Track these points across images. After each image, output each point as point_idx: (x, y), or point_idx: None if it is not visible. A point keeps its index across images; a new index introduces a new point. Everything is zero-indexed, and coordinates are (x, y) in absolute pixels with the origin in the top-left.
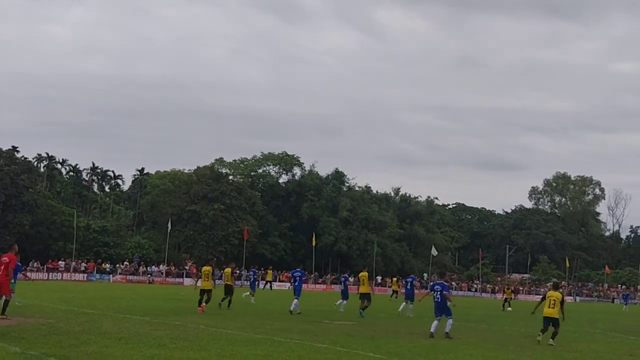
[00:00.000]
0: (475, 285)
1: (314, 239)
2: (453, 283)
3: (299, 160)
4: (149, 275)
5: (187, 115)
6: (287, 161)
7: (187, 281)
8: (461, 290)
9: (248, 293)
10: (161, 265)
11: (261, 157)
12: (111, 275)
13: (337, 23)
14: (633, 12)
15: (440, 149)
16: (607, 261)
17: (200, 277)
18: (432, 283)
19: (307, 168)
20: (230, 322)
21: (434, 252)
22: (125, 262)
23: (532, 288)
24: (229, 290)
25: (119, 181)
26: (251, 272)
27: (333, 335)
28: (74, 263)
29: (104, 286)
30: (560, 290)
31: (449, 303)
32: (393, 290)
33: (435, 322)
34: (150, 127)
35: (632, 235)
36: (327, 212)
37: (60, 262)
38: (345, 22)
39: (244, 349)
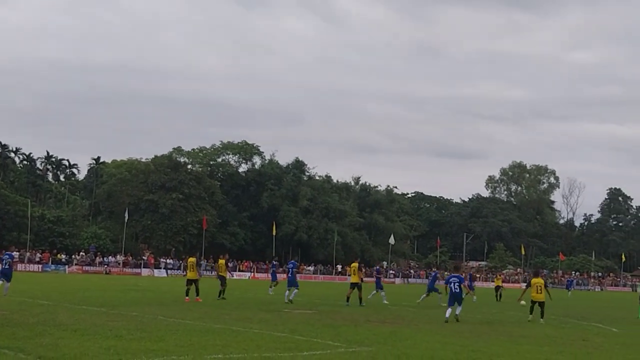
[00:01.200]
0: (433, 273)
1: (274, 228)
2: (412, 271)
3: (258, 149)
4: (106, 266)
5: (145, 102)
6: (246, 150)
7: (145, 272)
8: (419, 277)
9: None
10: (118, 256)
11: (220, 146)
12: (67, 266)
13: (298, 10)
14: (589, 3)
15: (400, 138)
16: (561, 248)
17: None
18: (448, 276)
19: (267, 157)
20: (188, 312)
21: (391, 240)
22: (81, 253)
23: (488, 275)
24: (223, 280)
25: (75, 170)
26: (272, 265)
27: (292, 324)
28: (28, 254)
29: (60, 277)
30: (541, 276)
31: (465, 294)
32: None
33: (449, 310)
34: (107, 114)
35: (586, 223)
36: (288, 201)
37: (14, 252)
38: (306, 9)
39: (202, 339)
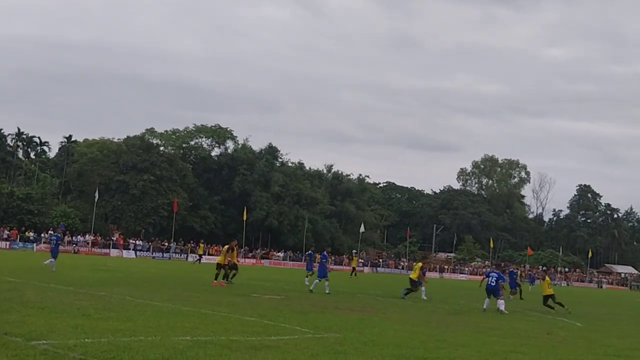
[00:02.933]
0: (402, 263)
1: (245, 213)
2: (381, 260)
3: (232, 134)
4: (75, 245)
5: (118, 82)
6: (220, 134)
7: (114, 252)
8: (388, 267)
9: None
10: (87, 235)
11: (194, 129)
12: (35, 244)
13: None
14: None
15: (374, 128)
16: (529, 243)
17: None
18: (488, 270)
19: (241, 142)
20: (157, 294)
21: (362, 229)
22: (50, 231)
23: (456, 267)
24: (233, 265)
25: (45, 148)
26: (308, 254)
27: (261, 309)
28: None
29: (28, 255)
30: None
31: (502, 292)
32: (353, 268)
33: (487, 300)
34: (80, 93)
35: (555, 218)
36: (259, 186)
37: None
38: None
39: (170, 321)
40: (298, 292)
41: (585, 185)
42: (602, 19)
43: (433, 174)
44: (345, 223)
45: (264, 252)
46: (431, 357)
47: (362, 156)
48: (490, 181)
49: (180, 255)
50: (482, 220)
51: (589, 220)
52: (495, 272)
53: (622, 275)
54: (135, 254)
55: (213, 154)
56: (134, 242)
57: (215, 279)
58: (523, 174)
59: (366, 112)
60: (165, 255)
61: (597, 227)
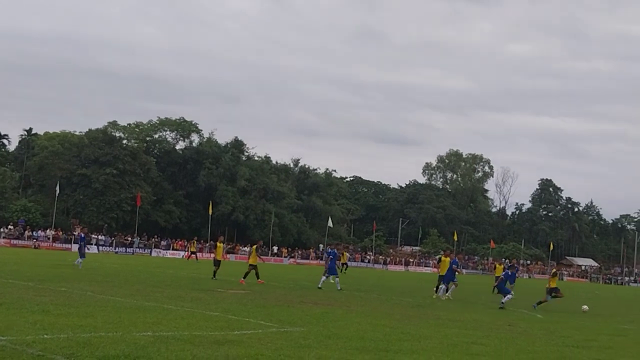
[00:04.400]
0: (368, 257)
1: (210, 207)
2: (347, 254)
3: (197, 127)
4: (35, 240)
5: (80, 74)
6: (184, 127)
7: (75, 247)
8: (355, 261)
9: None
10: (48, 230)
11: (157, 122)
12: None
13: None
14: None
15: (341, 122)
16: (492, 236)
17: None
18: (506, 270)
19: (206, 135)
20: (119, 289)
21: (330, 223)
22: (9, 226)
23: (421, 260)
24: (217, 262)
25: (5, 141)
26: (328, 254)
27: (225, 304)
28: None
29: None
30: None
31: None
32: (342, 263)
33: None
34: (40, 85)
35: (517, 212)
36: (225, 180)
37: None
38: None
39: (132, 316)
40: (263, 286)
41: (546, 180)
42: (563, 16)
43: (399, 169)
44: (312, 217)
45: (230, 246)
46: (393, 349)
47: (329, 150)
48: (455, 175)
49: (144, 250)
50: (447, 214)
51: (550, 214)
52: (506, 272)
53: (583, 267)
54: (98, 249)
55: (177, 147)
56: (96, 237)
57: (257, 277)
58: (487, 169)
59: (333, 105)
60: (128, 250)
61: (558, 220)
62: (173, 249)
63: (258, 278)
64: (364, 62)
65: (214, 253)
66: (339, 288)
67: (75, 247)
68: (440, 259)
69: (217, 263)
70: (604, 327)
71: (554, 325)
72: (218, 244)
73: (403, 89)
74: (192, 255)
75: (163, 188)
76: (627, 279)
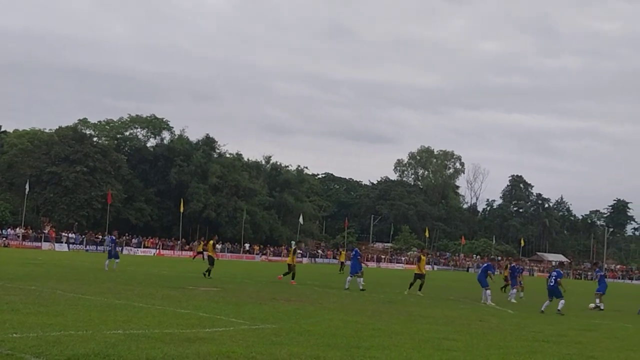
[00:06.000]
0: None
1: (182, 205)
2: (319, 251)
3: (168, 124)
4: (4, 239)
5: (50, 71)
6: (155, 125)
7: (46, 245)
8: (327, 257)
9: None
10: (18, 229)
11: (128, 119)
12: None
13: None
14: None
15: (312, 119)
16: (464, 232)
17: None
18: (551, 271)
19: (177, 132)
20: (89, 287)
21: (301, 220)
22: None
23: (393, 256)
24: (212, 259)
25: None
26: (354, 253)
27: (196, 301)
28: None
29: None
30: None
31: (561, 288)
32: (341, 262)
33: (547, 302)
34: (9, 82)
35: (488, 208)
36: (197, 178)
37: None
38: None
39: (102, 315)
40: (235, 284)
41: (517, 176)
42: (534, 13)
43: (371, 165)
44: (284, 214)
45: (201, 244)
46: (365, 345)
47: (301, 147)
48: (426, 172)
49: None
50: (418, 210)
51: (521, 210)
52: (555, 272)
53: (553, 263)
54: (68, 247)
55: (148, 145)
56: (66, 235)
57: (292, 278)
58: (458, 165)
59: (305, 102)
60: (99, 248)
61: (528, 216)
62: (144, 247)
63: (292, 278)
64: (336, 59)
65: (206, 251)
66: (360, 287)
67: (46, 245)
68: (420, 257)
69: (211, 260)
70: (574, 322)
71: (524, 321)
72: (210, 242)
73: (375, 86)
74: (199, 254)
75: (134, 186)
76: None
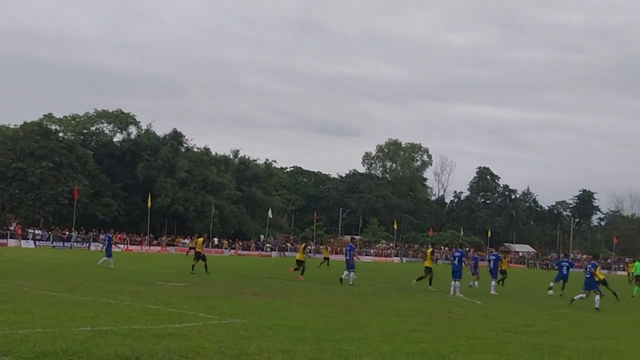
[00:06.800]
0: (309, 247)
1: (149, 200)
2: (289, 245)
3: (135, 119)
4: None
5: (14, 66)
6: (122, 119)
7: (12, 242)
8: (295, 251)
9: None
10: None
11: (94, 114)
12: None
13: None
14: None
15: (281, 113)
16: (432, 224)
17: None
18: (586, 263)
19: (144, 127)
20: (56, 284)
21: (270, 214)
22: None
23: (362, 249)
24: (199, 255)
25: None
26: (347, 248)
27: (165, 297)
28: None
29: None
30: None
31: (597, 279)
32: (325, 258)
33: (581, 295)
34: None
35: (456, 200)
36: (164, 172)
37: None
38: None
39: (70, 311)
40: (204, 278)
41: (484, 168)
42: (500, 5)
43: (339, 158)
44: (253, 208)
45: (170, 239)
46: (335, 338)
47: (269, 141)
48: (394, 165)
49: (82, 244)
50: (387, 203)
51: (488, 201)
52: (591, 264)
53: (520, 253)
54: (35, 243)
55: (115, 139)
56: (32, 231)
57: (301, 273)
58: (425, 158)
59: (272, 96)
60: (66, 244)
61: (495, 207)
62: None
63: (301, 273)
64: (304, 52)
65: (194, 247)
66: (350, 282)
67: (12, 242)
68: (432, 251)
69: (197, 256)
70: (541, 312)
71: (492, 312)
72: (199, 239)
73: (343, 80)
74: (192, 250)
75: (101, 181)
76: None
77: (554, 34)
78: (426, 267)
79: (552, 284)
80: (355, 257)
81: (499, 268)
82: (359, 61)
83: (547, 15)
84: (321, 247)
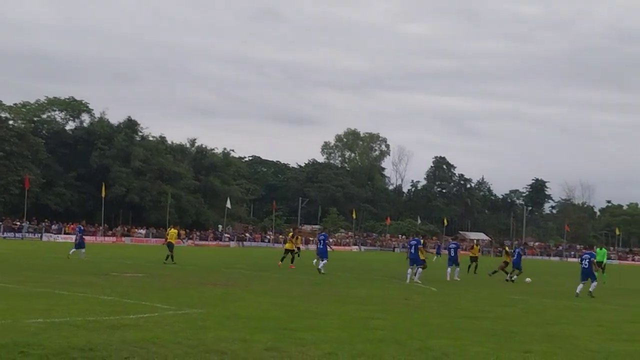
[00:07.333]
0: (268, 236)
1: (103, 189)
2: (247, 234)
3: (88, 107)
4: None
5: None
6: (74, 107)
7: None
8: (255, 241)
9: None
10: None
11: (46, 101)
12: None
13: None
14: None
15: (239, 101)
16: (390, 213)
17: None
18: (582, 253)
19: (97, 115)
20: (8, 276)
21: (228, 204)
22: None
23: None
24: (172, 246)
25: None
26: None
27: (121, 288)
28: None
29: None
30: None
31: (595, 269)
32: (297, 247)
33: (580, 285)
34: None
35: (413, 189)
36: (119, 161)
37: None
38: None
39: (22, 303)
40: (162, 269)
41: (440, 157)
42: None
43: (298, 148)
44: (211, 198)
45: (125, 229)
46: (293, 327)
47: (227, 130)
48: (353, 154)
49: (34, 235)
50: (346, 192)
51: (444, 190)
52: (588, 254)
53: (475, 241)
54: None
55: (67, 128)
56: None
57: (284, 260)
58: (383, 147)
59: (231, 84)
60: (17, 235)
61: (451, 196)
62: (65, 233)
63: (283, 260)
64: (263, 41)
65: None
66: (322, 271)
67: None
68: (424, 243)
69: (170, 247)
70: (496, 298)
71: (449, 298)
72: (172, 230)
73: (301, 68)
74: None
75: (53, 170)
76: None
77: (509, 24)
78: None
79: (514, 275)
80: (328, 247)
81: (470, 255)
82: (318, 50)
83: (503, 6)
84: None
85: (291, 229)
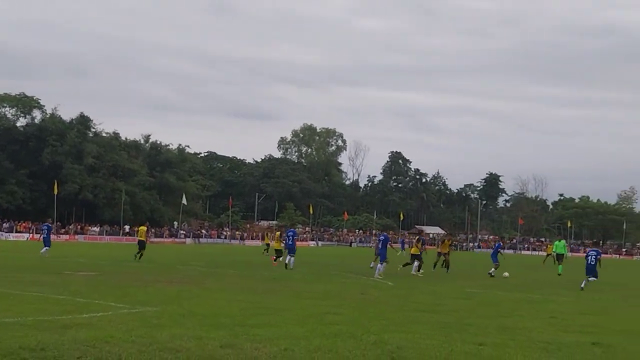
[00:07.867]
0: (225, 233)
1: (56, 187)
2: (203, 231)
3: (39, 103)
4: None
5: None
6: (25, 103)
7: None
8: (211, 237)
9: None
10: None
11: None
12: None
13: None
14: None
15: (194, 96)
16: (347, 208)
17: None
18: (588, 250)
19: (49, 111)
20: None
21: (184, 201)
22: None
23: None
24: (143, 244)
25: None
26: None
27: (74, 287)
28: None
29: None
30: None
31: (599, 267)
32: (267, 244)
33: (584, 281)
34: None
35: (369, 184)
36: (71, 158)
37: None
38: None
39: None
40: (116, 267)
41: (396, 152)
42: None
43: (254, 143)
44: (166, 194)
45: (78, 227)
46: (250, 323)
47: (182, 125)
48: (310, 149)
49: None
50: (303, 187)
51: (400, 185)
52: (593, 251)
53: (431, 235)
54: None
55: (18, 124)
56: None
57: (275, 259)
58: (340, 142)
59: (186, 79)
60: None
61: (407, 191)
62: (17, 232)
63: (275, 259)
64: (218, 35)
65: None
66: (291, 267)
67: None
68: (419, 239)
69: (141, 245)
70: (451, 291)
71: (404, 292)
72: (142, 227)
73: (258, 63)
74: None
75: (4, 168)
76: (471, 244)
77: (465, 20)
78: (412, 254)
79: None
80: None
81: (438, 251)
82: (273, 44)
83: (458, 2)
84: (268, 234)
85: (278, 229)
